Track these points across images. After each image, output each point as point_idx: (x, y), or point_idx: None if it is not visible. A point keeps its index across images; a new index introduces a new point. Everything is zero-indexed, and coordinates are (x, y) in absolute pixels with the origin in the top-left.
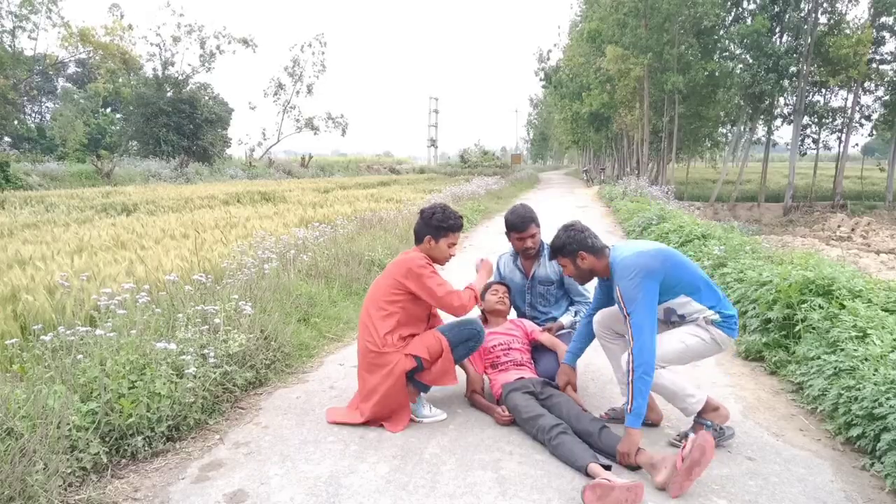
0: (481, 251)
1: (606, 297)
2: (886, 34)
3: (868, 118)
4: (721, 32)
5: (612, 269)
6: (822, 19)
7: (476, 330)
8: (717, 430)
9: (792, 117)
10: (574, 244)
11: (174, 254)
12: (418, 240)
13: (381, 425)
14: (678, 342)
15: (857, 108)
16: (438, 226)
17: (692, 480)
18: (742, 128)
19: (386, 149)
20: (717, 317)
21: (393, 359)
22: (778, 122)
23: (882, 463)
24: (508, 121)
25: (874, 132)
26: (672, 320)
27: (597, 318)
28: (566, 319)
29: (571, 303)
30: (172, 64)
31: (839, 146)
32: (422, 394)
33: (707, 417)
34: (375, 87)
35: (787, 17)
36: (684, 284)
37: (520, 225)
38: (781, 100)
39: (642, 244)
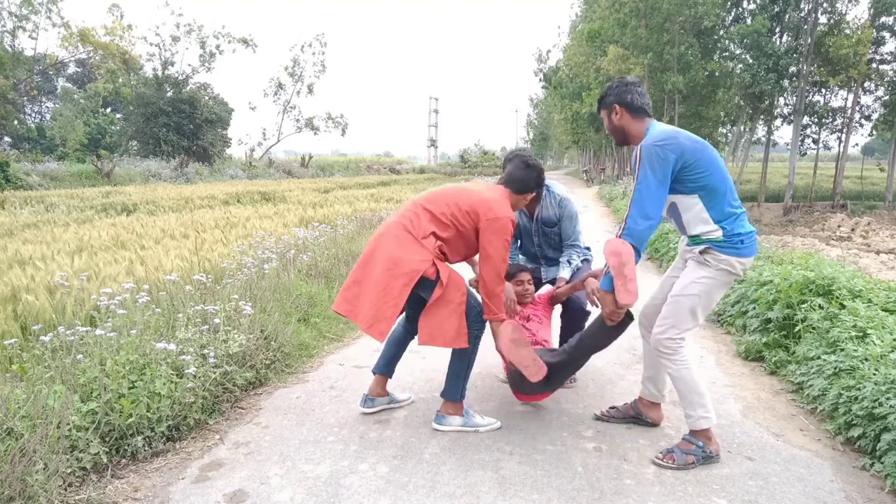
0: None
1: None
2: (886, 34)
3: (868, 118)
4: (721, 32)
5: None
6: (822, 19)
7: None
8: (706, 453)
9: (792, 117)
10: (612, 96)
11: (174, 254)
12: (519, 188)
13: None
14: (686, 298)
15: (857, 108)
16: (539, 184)
17: (628, 278)
18: (742, 128)
19: (386, 149)
20: (718, 234)
21: (421, 255)
22: (778, 122)
23: (882, 463)
24: (508, 121)
25: (874, 132)
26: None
27: (642, 311)
28: (566, 273)
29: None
30: (172, 64)
31: (839, 146)
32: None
33: (700, 438)
34: (375, 87)
35: (787, 17)
36: (704, 182)
37: None
38: (781, 100)
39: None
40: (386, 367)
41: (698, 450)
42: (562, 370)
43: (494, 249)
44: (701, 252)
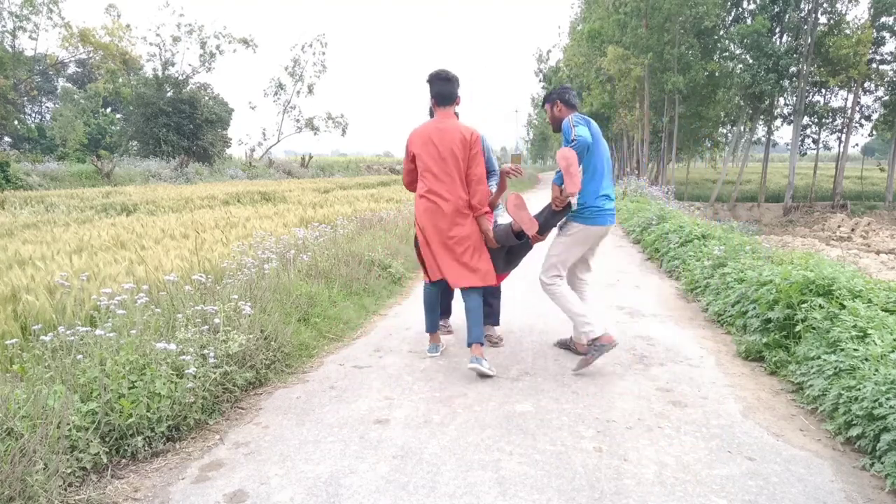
0: None
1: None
2: (886, 34)
3: (868, 118)
4: (721, 32)
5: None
6: (822, 19)
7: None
8: (596, 347)
9: (792, 117)
10: (555, 95)
11: (174, 254)
12: (451, 100)
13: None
14: (550, 257)
15: (857, 109)
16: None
17: (573, 174)
18: (742, 128)
19: (386, 149)
20: (573, 206)
21: (470, 224)
22: (778, 122)
23: (882, 463)
24: (508, 121)
25: (874, 132)
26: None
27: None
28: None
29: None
30: (173, 64)
31: (839, 146)
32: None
33: (602, 342)
34: (375, 87)
35: (787, 17)
36: (591, 159)
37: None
38: (781, 100)
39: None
40: (434, 326)
41: (592, 349)
42: (520, 248)
43: (476, 158)
44: (562, 226)
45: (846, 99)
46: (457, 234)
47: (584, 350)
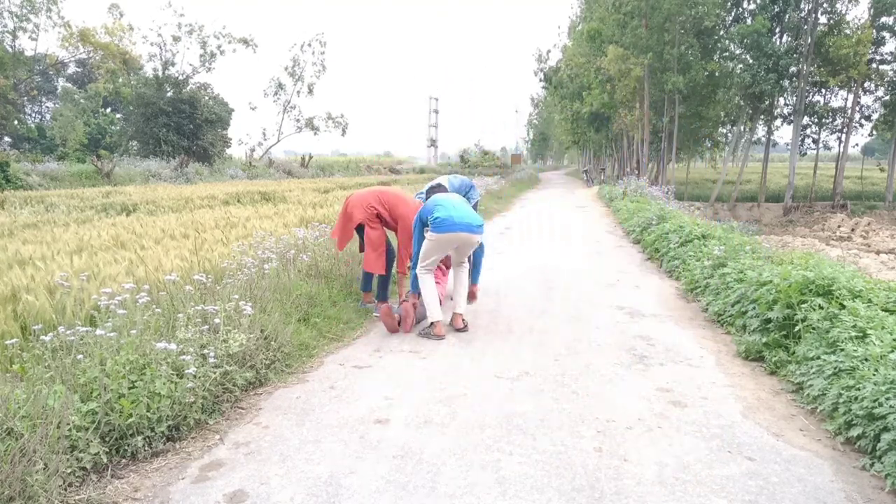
0: None
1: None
2: (886, 34)
3: (868, 118)
4: (721, 32)
5: None
6: (822, 19)
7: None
8: (430, 331)
9: (792, 117)
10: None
11: (174, 254)
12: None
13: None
14: (420, 252)
15: (857, 109)
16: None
17: (386, 318)
18: (742, 128)
19: (386, 149)
20: (429, 223)
21: (363, 214)
22: (778, 122)
23: (882, 463)
24: (508, 121)
25: (874, 132)
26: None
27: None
28: None
29: None
30: (173, 64)
31: (839, 146)
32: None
33: (431, 325)
34: (375, 87)
35: (787, 17)
36: (432, 212)
37: None
38: (781, 100)
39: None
40: (367, 286)
41: (429, 327)
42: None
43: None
44: (425, 233)
45: (846, 99)
46: (350, 213)
47: (456, 324)
